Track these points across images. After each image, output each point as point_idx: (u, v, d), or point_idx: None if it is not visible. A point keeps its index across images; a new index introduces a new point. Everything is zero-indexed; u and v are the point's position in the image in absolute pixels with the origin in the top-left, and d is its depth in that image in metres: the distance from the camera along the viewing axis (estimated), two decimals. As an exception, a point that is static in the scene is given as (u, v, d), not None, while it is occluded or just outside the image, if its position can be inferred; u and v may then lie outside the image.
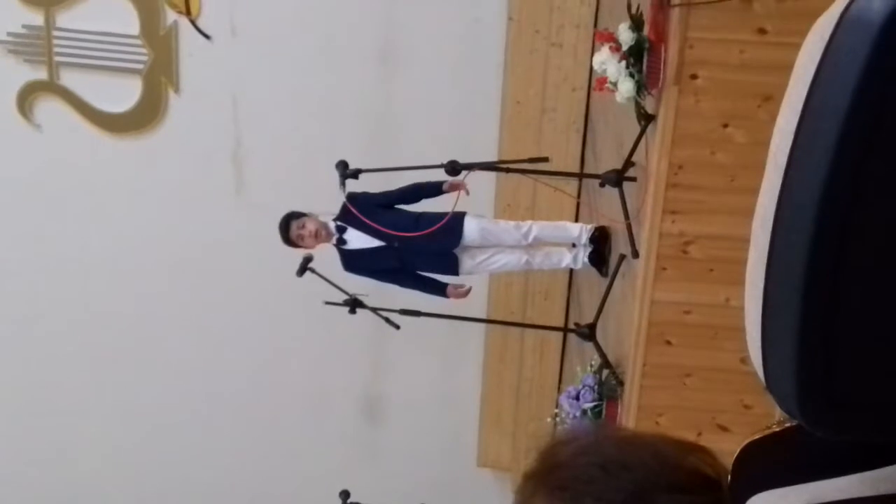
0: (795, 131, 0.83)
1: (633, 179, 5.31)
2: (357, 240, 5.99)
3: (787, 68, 0.85)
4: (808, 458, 0.95)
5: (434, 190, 5.96)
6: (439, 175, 5.85)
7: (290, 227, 5.98)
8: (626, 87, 4.79)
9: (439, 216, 5.86)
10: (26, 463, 9.20)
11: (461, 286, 6.10)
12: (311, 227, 5.96)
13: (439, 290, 6.09)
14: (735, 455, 1.03)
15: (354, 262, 6.03)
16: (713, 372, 4.96)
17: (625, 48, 4.77)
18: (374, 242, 5.96)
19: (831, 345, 0.86)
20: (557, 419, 5.73)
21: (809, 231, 0.82)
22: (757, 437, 1.01)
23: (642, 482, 1.07)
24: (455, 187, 5.86)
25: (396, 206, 6.04)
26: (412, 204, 6.06)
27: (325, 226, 5.99)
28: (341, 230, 5.98)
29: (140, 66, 8.03)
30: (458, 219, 5.91)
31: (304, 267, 6.07)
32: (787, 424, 0.99)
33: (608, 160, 6.17)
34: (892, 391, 0.90)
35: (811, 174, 0.82)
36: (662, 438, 1.16)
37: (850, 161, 0.80)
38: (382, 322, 6.40)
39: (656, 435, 1.18)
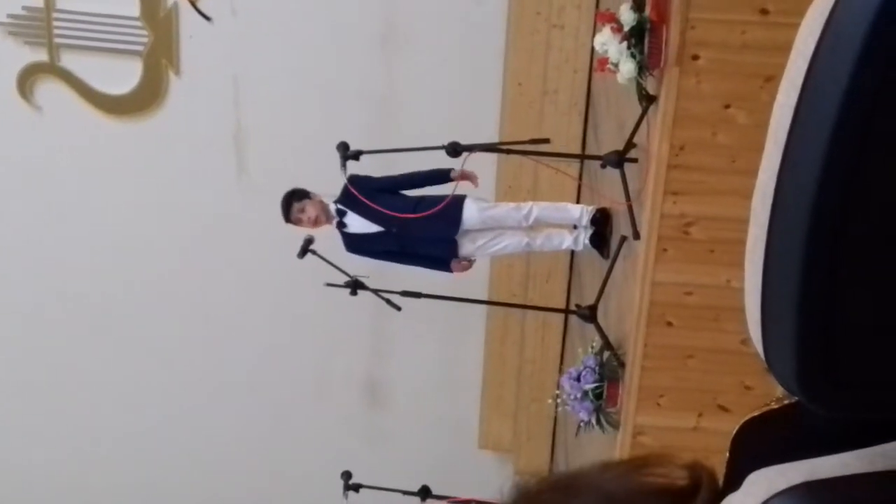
0: (795, 107, 0.82)
1: (635, 161, 5.30)
2: (356, 224, 5.98)
3: (789, 49, 0.85)
4: (806, 435, 0.95)
5: (441, 177, 5.95)
6: (440, 156, 5.84)
7: (290, 207, 5.97)
8: (627, 68, 4.77)
9: (439, 200, 5.84)
10: (29, 445, 9.24)
11: (464, 259, 6.09)
12: (311, 213, 5.94)
13: (442, 265, 6.09)
14: (733, 432, 1.03)
15: (356, 244, 6.03)
16: (714, 353, 4.96)
17: (626, 29, 4.75)
18: (374, 228, 5.95)
19: (832, 322, 0.86)
20: (559, 401, 5.73)
21: (809, 207, 0.82)
22: (756, 413, 1.01)
23: None
24: (465, 177, 5.84)
25: (398, 191, 6.03)
26: (416, 189, 6.05)
27: (325, 210, 5.97)
28: (341, 214, 5.97)
29: (140, 48, 8.01)
30: (457, 202, 5.89)
31: (306, 249, 6.07)
32: (786, 401, 0.98)
33: (609, 141, 6.15)
34: (891, 369, 0.89)
35: (811, 150, 0.81)
36: (601, 469, 1.10)
37: (850, 136, 0.80)
38: (384, 304, 6.40)
39: (595, 469, 1.12)
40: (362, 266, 6.27)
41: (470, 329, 8.55)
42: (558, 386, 5.85)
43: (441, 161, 5.89)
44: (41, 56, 8.09)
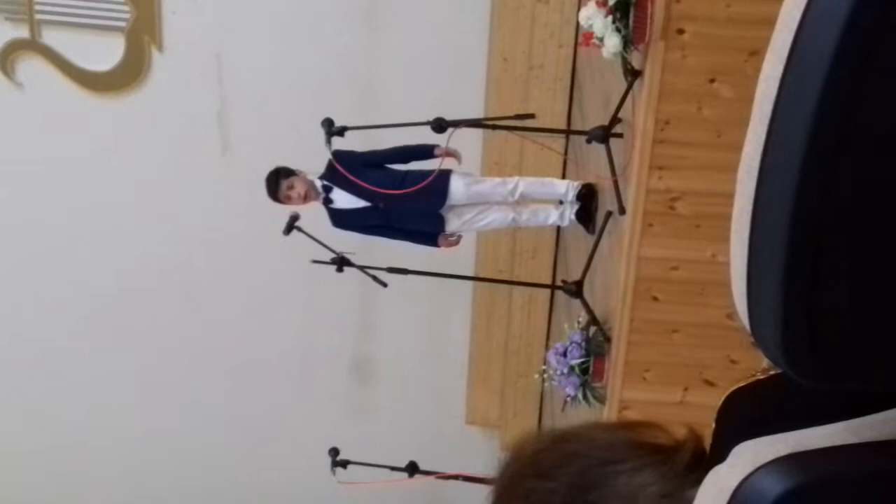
0: (780, 78, 0.82)
1: (620, 136, 5.30)
2: (343, 199, 5.97)
3: (774, 23, 0.84)
4: (793, 406, 0.95)
5: (425, 153, 5.93)
6: (425, 132, 5.82)
7: (278, 185, 5.94)
8: (612, 43, 4.76)
9: (425, 175, 5.84)
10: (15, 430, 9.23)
11: (452, 235, 6.09)
12: (300, 188, 5.93)
13: (430, 239, 6.08)
14: (720, 402, 1.03)
15: (342, 219, 6.02)
16: (700, 328, 4.98)
17: (611, 3, 4.73)
18: (360, 203, 5.95)
19: (817, 293, 0.86)
20: (545, 376, 5.75)
21: (795, 178, 0.82)
22: (742, 384, 1.02)
23: (576, 472, 1.08)
24: (448, 154, 5.83)
25: (384, 165, 6.02)
26: (400, 164, 6.03)
27: (312, 186, 5.96)
28: (327, 189, 5.96)
29: (123, 24, 7.95)
30: (443, 177, 5.89)
31: (291, 225, 6.06)
32: (772, 372, 0.99)
33: (595, 116, 6.15)
34: (877, 340, 0.90)
35: (797, 121, 0.81)
36: (594, 426, 1.17)
37: (835, 108, 0.80)
38: (370, 280, 6.40)
39: (588, 425, 1.18)
40: (348, 242, 6.26)
41: (456, 305, 8.56)
42: (545, 361, 5.87)
43: (426, 137, 5.89)
44: (22, 32, 8.02)
